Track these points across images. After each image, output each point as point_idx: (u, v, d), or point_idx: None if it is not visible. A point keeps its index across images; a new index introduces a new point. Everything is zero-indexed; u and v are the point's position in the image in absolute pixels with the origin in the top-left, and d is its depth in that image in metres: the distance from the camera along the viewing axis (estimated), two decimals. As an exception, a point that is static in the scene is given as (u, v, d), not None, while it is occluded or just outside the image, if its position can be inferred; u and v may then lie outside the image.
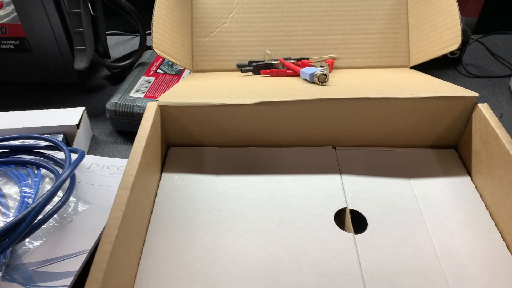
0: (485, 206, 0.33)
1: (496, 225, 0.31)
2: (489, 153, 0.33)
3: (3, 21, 0.54)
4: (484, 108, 0.35)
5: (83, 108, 0.48)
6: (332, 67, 0.51)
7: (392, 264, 0.29)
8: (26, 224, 0.32)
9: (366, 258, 0.29)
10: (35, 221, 0.33)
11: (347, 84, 0.41)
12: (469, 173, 0.36)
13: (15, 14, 0.53)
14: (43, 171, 0.40)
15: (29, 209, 0.32)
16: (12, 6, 0.52)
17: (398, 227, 0.31)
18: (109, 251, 0.24)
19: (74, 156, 0.42)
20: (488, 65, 0.66)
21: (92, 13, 0.52)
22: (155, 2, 0.46)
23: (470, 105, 0.36)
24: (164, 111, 0.37)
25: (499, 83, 0.62)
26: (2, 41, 0.55)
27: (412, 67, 0.52)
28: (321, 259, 0.29)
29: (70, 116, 0.46)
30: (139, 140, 0.32)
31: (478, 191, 0.34)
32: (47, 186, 0.39)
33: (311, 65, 0.48)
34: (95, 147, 0.50)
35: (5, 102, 0.56)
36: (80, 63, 0.49)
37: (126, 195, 0.27)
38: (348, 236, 0.31)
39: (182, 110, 0.36)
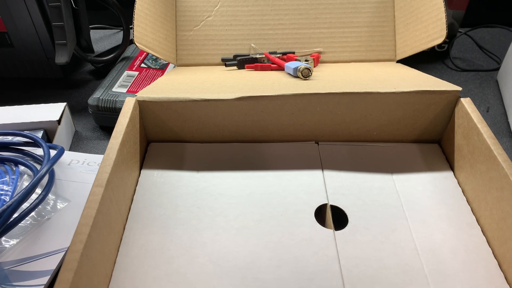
0: (467, 201, 0.33)
1: (477, 220, 0.31)
2: (471, 148, 0.33)
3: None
4: (466, 103, 0.34)
5: (64, 104, 0.47)
6: (317, 61, 0.50)
7: (372, 261, 0.28)
8: (0, 222, 0.31)
9: (346, 255, 0.29)
10: (11, 220, 0.32)
11: (330, 78, 0.41)
12: (452, 168, 0.36)
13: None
14: (21, 168, 0.40)
15: (4, 207, 0.32)
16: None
17: (378, 223, 0.31)
18: (80, 250, 0.23)
19: (53, 153, 0.41)
20: (476, 58, 0.66)
21: (74, 6, 0.51)
22: (137, -6, 0.45)
23: (453, 100, 0.35)
24: (143, 107, 0.36)
25: (486, 77, 0.61)
26: (-18, 35, 0.54)
27: (398, 61, 0.51)
28: (300, 256, 0.29)
29: (51, 111, 0.45)
30: (115, 136, 0.31)
31: (460, 186, 0.34)
32: (25, 183, 0.38)
33: (296, 59, 0.48)
34: (77, 143, 0.49)
35: (-13, 98, 0.55)
36: (61, 58, 0.48)
37: (100, 193, 0.27)
38: (328, 232, 0.30)
39: (161, 105, 0.36)
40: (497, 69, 0.63)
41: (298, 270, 0.28)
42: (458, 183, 0.34)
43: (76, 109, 0.54)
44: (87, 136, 0.50)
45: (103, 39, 0.69)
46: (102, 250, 0.26)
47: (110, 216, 0.28)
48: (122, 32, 0.72)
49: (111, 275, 0.28)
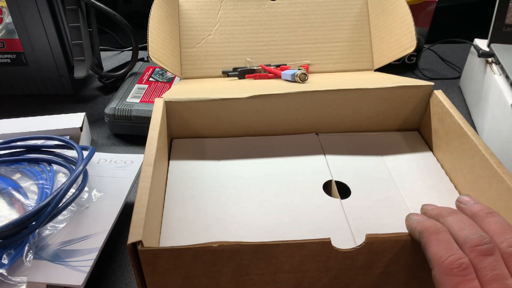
0: (445, 173, 0.40)
1: (455, 186, 0.38)
2: (446, 129, 0.40)
3: (1, 35, 0.57)
4: (439, 94, 0.42)
5: (84, 113, 0.52)
6: (307, 71, 0.57)
7: (374, 219, 0.35)
8: (52, 207, 0.36)
9: (353, 217, 0.35)
10: (59, 205, 0.37)
11: (324, 81, 0.48)
12: (430, 149, 0.43)
13: (11, 28, 0.57)
14: (55, 167, 0.44)
15: (54, 193, 0.36)
16: (9, 22, 0.56)
17: (375, 192, 0.37)
18: (144, 212, 0.28)
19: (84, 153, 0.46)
20: (440, 69, 0.75)
21: (88, 28, 0.56)
22: (149, 16, 0.51)
23: (428, 92, 0.43)
24: (169, 107, 0.42)
25: (450, 84, 0.70)
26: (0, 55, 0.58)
27: (375, 70, 0.59)
28: (316, 219, 0.35)
29: (73, 120, 0.50)
30: (153, 128, 0.37)
31: (439, 162, 0.41)
32: (61, 180, 0.43)
33: (290, 69, 0.55)
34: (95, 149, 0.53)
35: (3, 114, 0.59)
36: (80, 72, 0.53)
37: (150, 170, 0.32)
38: (336, 201, 0.36)
39: (185, 105, 0.42)
40: (459, 77, 0.72)
41: (316, 229, 0.34)
42: (437, 160, 0.41)
43: (90, 121, 0.58)
44: (103, 143, 0.54)
45: (105, 59, 0.74)
46: (154, 217, 0.31)
47: (157, 191, 0.33)
48: (121, 53, 0.78)
49: (159, 243, 0.33)
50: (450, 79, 0.72)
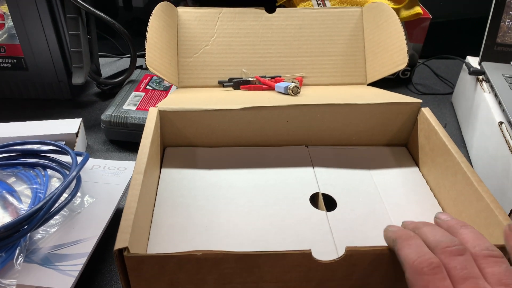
0: (430, 189, 0.41)
1: (438, 202, 0.39)
2: (431, 146, 0.41)
3: (2, 40, 0.58)
4: (426, 111, 0.43)
5: (80, 119, 0.53)
6: (301, 84, 0.59)
7: (357, 232, 0.36)
8: (44, 211, 0.37)
9: (337, 229, 0.36)
10: (52, 210, 0.38)
11: (316, 95, 0.49)
12: (417, 165, 0.44)
13: (12, 33, 0.58)
14: (49, 171, 0.45)
15: (47, 198, 0.37)
16: (10, 26, 0.57)
17: (361, 206, 0.38)
18: (131, 219, 0.29)
19: (79, 159, 0.46)
20: (434, 84, 0.76)
21: (87, 35, 0.58)
22: (148, 25, 0.52)
23: (416, 109, 0.44)
24: (163, 116, 0.43)
25: (443, 99, 0.72)
26: (0, 59, 0.59)
27: (368, 84, 0.60)
28: (301, 230, 0.35)
29: (69, 125, 0.51)
30: (145, 137, 0.38)
31: (424, 178, 0.42)
32: (54, 185, 0.44)
33: (284, 81, 0.56)
34: (90, 155, 0.54)
35: (2, 118, 0.60)
36: (78, 79, 0.54)
37: (140, 178, 0.33)
38: (321, 213, 0.37)
39: (179, 115, 0.43)
40: (451, 93, 0.73)
41: (300, 240, 0.34)
42: (423, 175, 0.42)
43: (86, 126, 0.59)
44: (98, 148, 0.55)
45: (104, 65, 0.75)
46: (142, 224, 0.32)
47: (146, 198, 0.34)
48: (121, 60, 0.79)
49: (146, 248, 0.34)
50: (443, 94, 0.73)
